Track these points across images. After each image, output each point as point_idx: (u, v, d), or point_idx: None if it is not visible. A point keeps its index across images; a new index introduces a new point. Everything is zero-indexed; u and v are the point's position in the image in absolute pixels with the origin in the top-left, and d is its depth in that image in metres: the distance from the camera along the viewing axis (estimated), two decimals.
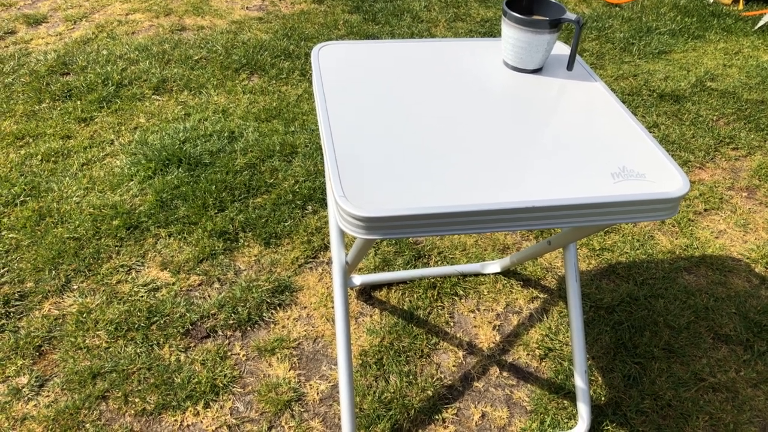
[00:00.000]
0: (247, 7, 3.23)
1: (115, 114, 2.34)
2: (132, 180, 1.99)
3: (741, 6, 3.50)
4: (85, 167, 2.05)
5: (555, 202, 0.86)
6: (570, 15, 1.11)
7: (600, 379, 1.47)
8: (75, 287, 1.63)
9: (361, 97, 1.07)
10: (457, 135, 0.99)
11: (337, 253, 1.25)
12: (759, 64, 2.90)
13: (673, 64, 2.89)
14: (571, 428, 1.36)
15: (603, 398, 1.43)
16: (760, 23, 3.26)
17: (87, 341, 1.49)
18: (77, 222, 1.81)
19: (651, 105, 2.53)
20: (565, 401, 1.42)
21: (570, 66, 1.17)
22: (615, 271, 1.76)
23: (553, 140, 0.99)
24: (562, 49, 1.27)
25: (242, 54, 2.72)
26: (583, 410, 1.34)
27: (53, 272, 1.66)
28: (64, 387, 1.38)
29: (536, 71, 1.18)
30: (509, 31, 1.14)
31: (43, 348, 1.47)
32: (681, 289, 1.71)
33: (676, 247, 1.85)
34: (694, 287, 1.72)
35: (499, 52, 1.23)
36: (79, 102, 2.38)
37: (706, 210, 2.01)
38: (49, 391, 1.38)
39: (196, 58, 2.71)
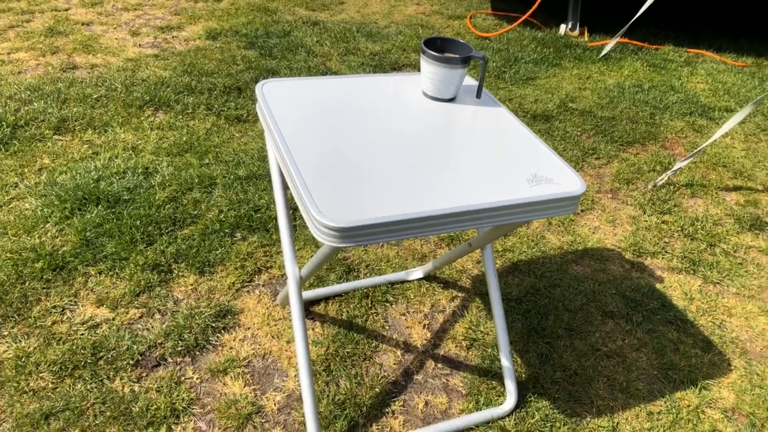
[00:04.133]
0: (139, 45, 3.23)
1: (15, 156, 2.26)
2: (48, 222, 1.95)
3: (586, 38, 4.09)
4: None
5: (491, 204, 1.06)
6: (477, 53, 1.35)
7: (519, 360, 1.70)
8: (6, 333, 1.59)
9: (309, 128, 1.22)
10: (397, 155, 1.17)
11: (291, 268, 1.37)
12: (606, 87, 3.41)
13: (539, 88, 3.32)
14: (501, 404, 1.57)
15: (524, 375, 1.66)
16: (603, 52, 3.83)
17: (31, 384, 1.46)
18: None
19: (527, 124, 2.90)
20: (493, 382, 1.63)
21: (478, 95, 1.41)
22: (518, 268, 2.03)
23: (476, 156, 1.20)
24: (468, 80, 1.50)
25: (144, 91, 2.73)
26: (511, 387, 1.56)
27: None
28: (17, 431, 1.36)
29: (451, 100, 1.40)
30: (427, 66, 1.36)
31: None
32: (572, 278, 2.01)
33: (564, 243, 2.17)
34: (582, 275, 2.03)
35: (419, 84, 1.44)
36: None
37: (582, 211, 2.36)
38: None
39: (96, 96, 2.68)
